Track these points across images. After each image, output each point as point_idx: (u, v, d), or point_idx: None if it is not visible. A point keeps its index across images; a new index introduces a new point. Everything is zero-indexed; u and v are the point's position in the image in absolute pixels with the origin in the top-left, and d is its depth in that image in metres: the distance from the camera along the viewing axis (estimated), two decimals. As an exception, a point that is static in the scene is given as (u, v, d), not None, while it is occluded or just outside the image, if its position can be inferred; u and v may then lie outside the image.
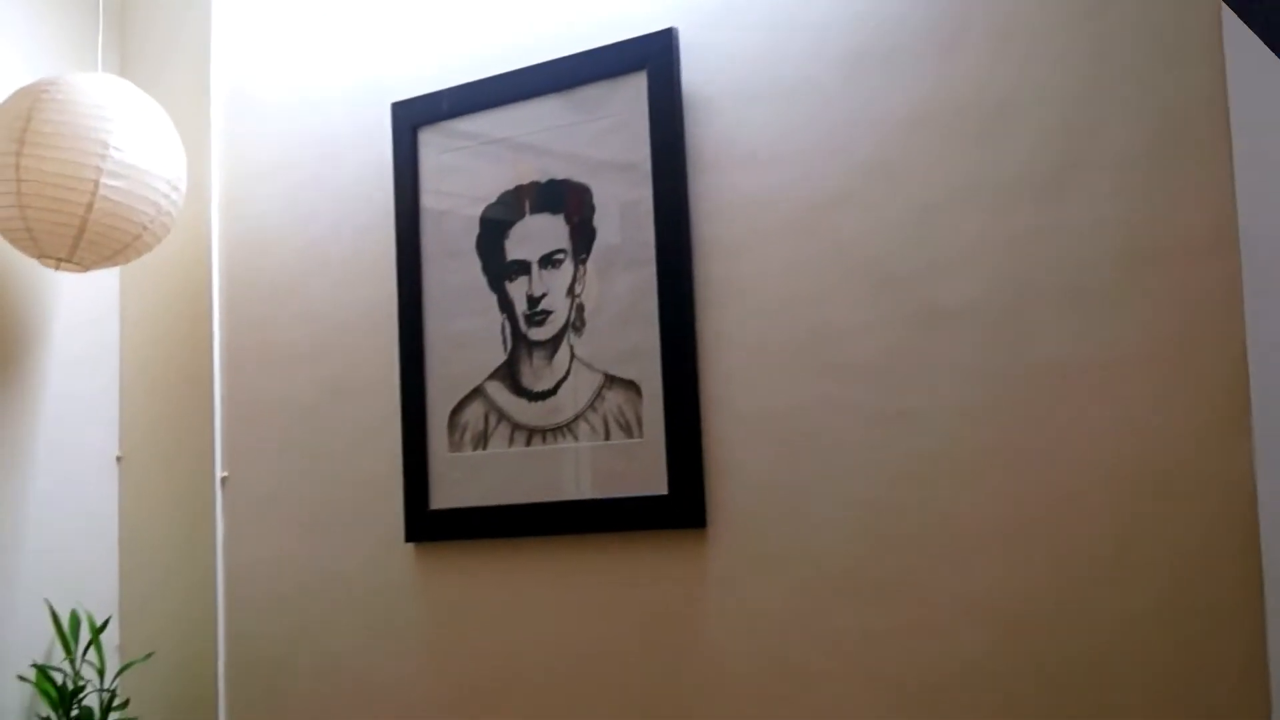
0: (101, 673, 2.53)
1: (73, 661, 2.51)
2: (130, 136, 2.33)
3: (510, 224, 2.34)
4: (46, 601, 2.53)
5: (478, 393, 2.36)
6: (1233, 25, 1.79)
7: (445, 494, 2.38)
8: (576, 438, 2.25)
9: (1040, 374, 1.90)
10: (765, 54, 2.15)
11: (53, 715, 2.45)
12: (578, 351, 2.26)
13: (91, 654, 2.54)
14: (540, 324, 2.30)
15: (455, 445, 2.37)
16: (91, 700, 2.53)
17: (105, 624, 2.59)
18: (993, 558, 1.91)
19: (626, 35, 2.25)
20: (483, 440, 2.34)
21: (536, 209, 2.32)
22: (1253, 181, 1.76)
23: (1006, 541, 1.90)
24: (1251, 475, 1.74)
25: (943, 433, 1.96)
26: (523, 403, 2.30)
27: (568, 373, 2.27)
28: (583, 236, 2.27)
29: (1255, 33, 1.14)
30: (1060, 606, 1.86)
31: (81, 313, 2.74)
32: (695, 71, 2.21)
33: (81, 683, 2.50)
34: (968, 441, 1.94)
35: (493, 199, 2.37)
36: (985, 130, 1.97)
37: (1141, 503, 1.82)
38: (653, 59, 2.21)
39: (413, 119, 2.46)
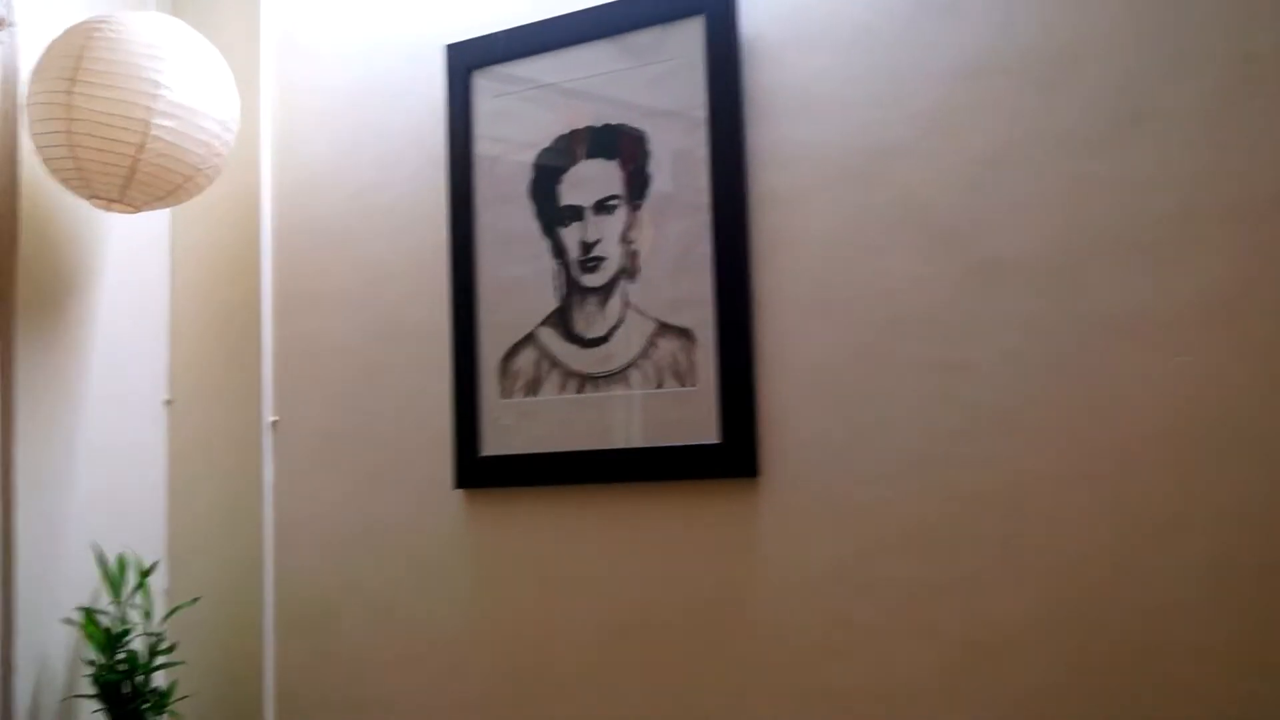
0: (148, 616, 2.53)
1: (119, 605, 2.50)
2: (182, 77, 2.31)
3: (564, 169, 2.32)
4: (94, 544, 2.54)
5: (530, 339, 2.34)
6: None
7: (496, 440, 2.37)
8: (629, 385, 2.24)
9: (1099, 327, 1.89)
10: (825, 1, 2.12)
11: (99, 658, 2.46)
12: (631, 298, 2.24)
13: (138, 597, 2.53)
14: (593, 270, 2.28)
15: (506, 392, 2.36)
16: (138, 644, 2.53)
17: (153, 568, 2.59)
18: (1048, 512, 1.91)
19: (685, -21, 2.23)
20: (534, 387, 2.33)
21: (590, 154, 2.30)
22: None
23: (1062, 495, 1.90)
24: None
25: (999, 386, 1.95)
26: (575, 349, 2.29)
27: (620, 320, 2.25)
28: (637, 183, 2.25)
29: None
30: (1115, 561, 1.86)
31: (132, 254, 2.73)
32: (754, 17, 2.19)
33: (128, 626, 2.49)
34: (1024, 395, 1.93)
35: (546, 144, 2.35)
36: (1047, 81, 1.96)
37: (1198, 458, 1.81)
38: (711, 4, 2.20)
39: (467, 61, 2.44)
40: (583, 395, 2.28)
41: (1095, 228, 1.89)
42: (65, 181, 2.34)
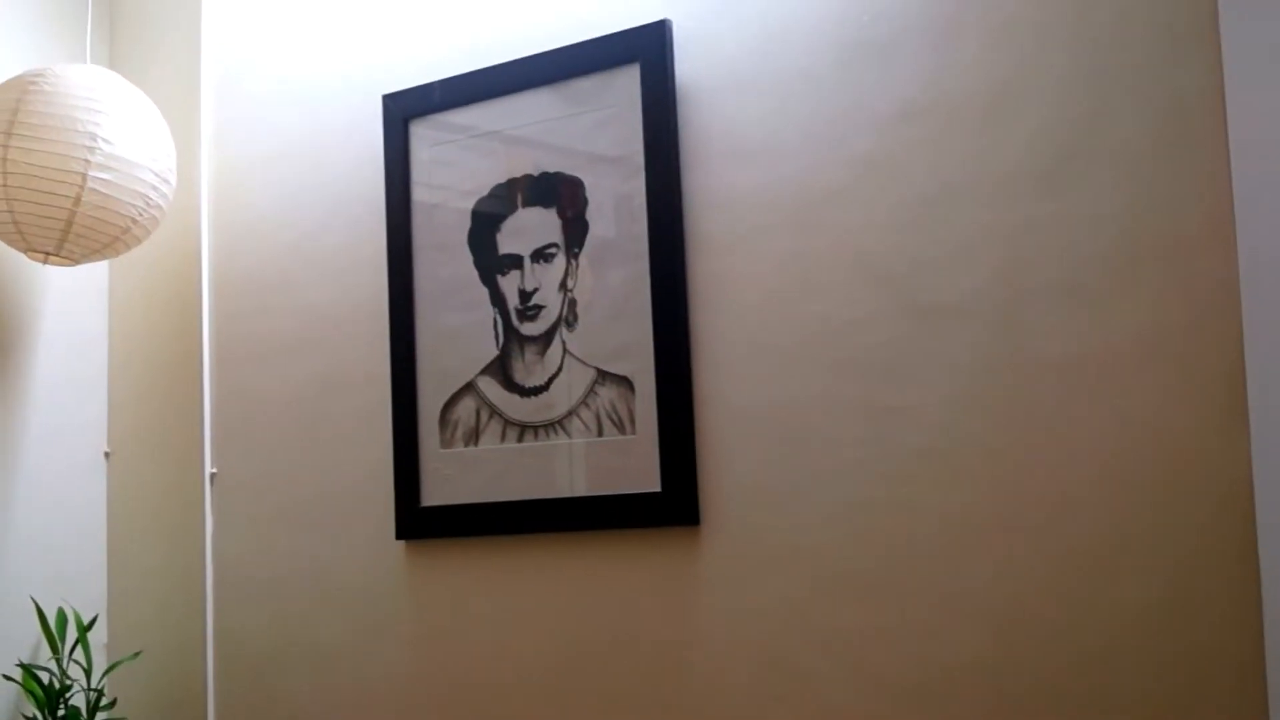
0: (89, 671, 2.50)
1: (59, 660, 2.48)
2: (119, 129, 2.31)
3: (502, 217, 2.32)
4: (33, 599, 2.51)
5: (469, 388, 2.33)
6: (1230, 20, 1.78)
7: (436, 491, 2.36)
8: (569, 434, 2.23)
9: (1036, 370, 1.88)
10: (760, 46, 2.13)
11: (39, 715, 2.43)
12: (570, 347, 2.23)
13: (78, 652, 2.51)
14: (532, 319, 2.28)
15: (446, 441, 2.35)
16: (78, 699, 2.51)
17: (93, 622, 2.57)
18: (988, 556, 1.89)
19: (620, 27, 2.23)
20: (474, 436, 2.32)
21: (529, 202, 2.30)
22: (1249, 178, 1.75)
23: (1002, 539, 1.88)
24: (1249, 472, 1.73)
25: (937, 429, 1.94)
26: (515, 398, 2.28)
27: (560, 368, 2.24)
28: (575, 230, 2.25)
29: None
30: (1056, 605, 1.84)
31: (70, 306, 2.72)
32: (689, 64, 2.19)
33: (68, 682, 2.47)
34: (962, 438, 1.92)
35: (484, 192, 2.34)
36: (982, 124, 1.95)
37: (1138, 500, 1.80)
38: (646, 51, 2.19)
39: (404, 111, 2.43)
40: (523, 444, 2.27)
41: (1032, 270, 1.89)
42: (1, 235, 2.33)
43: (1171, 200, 1.81)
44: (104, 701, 2.52)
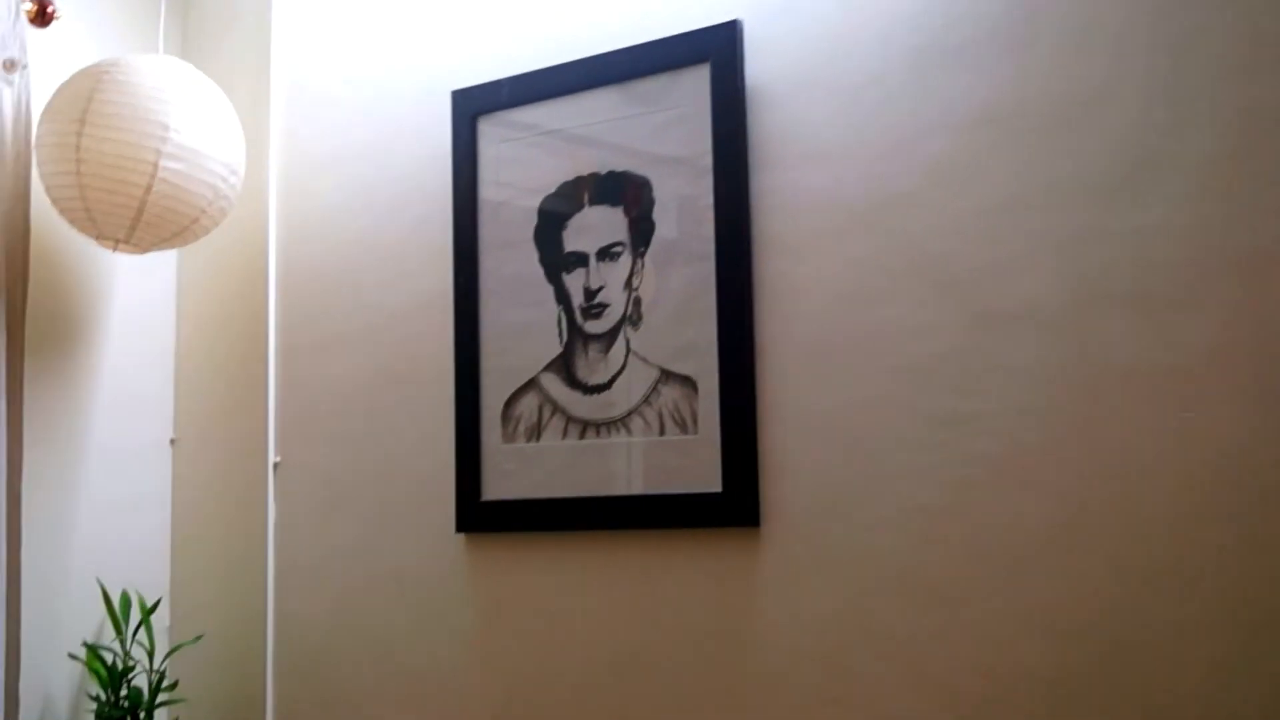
0: (151, 654, 2.54)
1: (123, 642, 2.52)
2: (190, 119, 2.33)
3: (568, 215, 2.33)
4: (98, 581, 2.55)
5: (532, 384, 2.34)
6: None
7: (497, 485, 2.37)
8: (630, 432, 2.23)
9: (1103, 379, 1.87)
10: (830, 48, 2.12)
11: (102, 694, 2.47)
12: (634, 345, 2.24)
13: (142, 635, 2.55)
14: (597, 317, 2.28)
15: (508, 437, 2.36)
16: (141, 681, 2.55)
17: (156, 605, 2.60)
18: (1049, 563, 1.89)
19: (690, 27, 2.23)
20: (536, 432, 2.33)
21: (595, 201, 2.30)
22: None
23: (1064, 547, 1.88)
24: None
25: (1001, 436, 1.93)
26: (577, 395, 2.29)
27: (623, 366, 2.25)
28: (641, 230, 2.25)
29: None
30: (1116, 614, 1.83)
31: (138, 295, 2.75)
32: (759, 65, 2.18)
33: (131, 663, 2.51)
34: (1026, 445, 1.91)
35: (551, 190, 2.35)
36: (1053, 130, 1.94)
37: (1204, 513, 1.79)
38: (716, 52, 2.19)
39: (472, 108, 2.44)
40: (584, 441, 2.28)
41: (1101, 278, 1.87)
42: (74, 221, 2.36)
43: (1247, 212, 1.79)
44: (165, 683, 2.55)
